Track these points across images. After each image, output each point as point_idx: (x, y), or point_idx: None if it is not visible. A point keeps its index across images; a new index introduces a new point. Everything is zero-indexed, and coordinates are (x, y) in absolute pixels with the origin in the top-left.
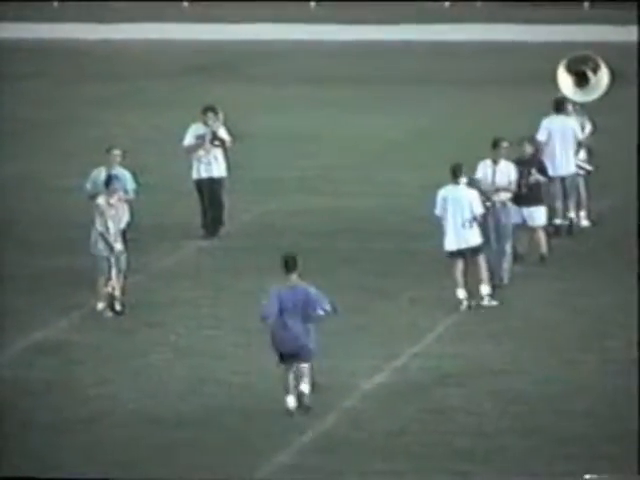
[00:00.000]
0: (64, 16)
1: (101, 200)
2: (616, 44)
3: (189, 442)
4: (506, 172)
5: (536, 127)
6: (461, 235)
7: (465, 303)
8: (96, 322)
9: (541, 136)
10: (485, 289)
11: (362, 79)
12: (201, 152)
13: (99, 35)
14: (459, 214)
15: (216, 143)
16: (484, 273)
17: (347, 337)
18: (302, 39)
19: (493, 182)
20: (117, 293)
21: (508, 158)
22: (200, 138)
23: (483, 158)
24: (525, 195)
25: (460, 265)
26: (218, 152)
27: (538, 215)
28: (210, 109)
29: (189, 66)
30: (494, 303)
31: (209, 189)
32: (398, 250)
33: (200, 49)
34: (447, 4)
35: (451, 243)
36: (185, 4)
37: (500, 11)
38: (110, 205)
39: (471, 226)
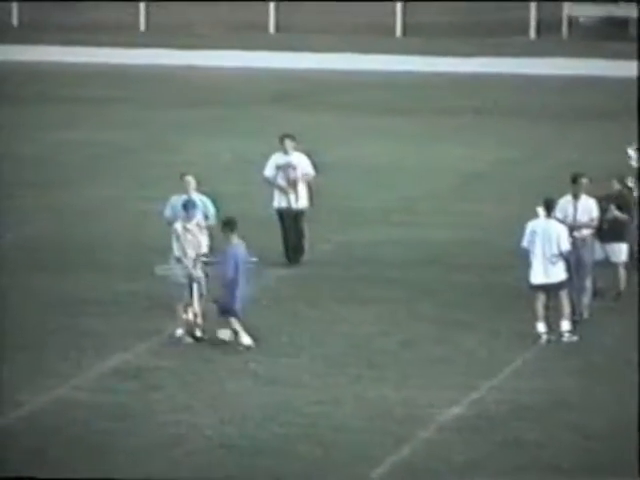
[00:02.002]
0: (150, 42)
1: (178, 225)
2: None
3: (265, 470)
4: (587, 208)
5: (623, 163)
6: (548, 269)
7: (545, 337)
8: (175, 348)
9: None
10: (566, 325)
11: (445, 110)
12: (280, 182)
13: (184, 61)
14: (547, 248)
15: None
16: (566, 308)
17: (425, 368)
18: (387, 70)
19: (574, 218)
20: (198, 320)
21: (590, 194)
22: (280, 168)
23: (566, 193)
24: (606, 231)
25: (542, 299)
26: (296, 183)
27: (619, 251)
28: (288, 136)
29: (273, 94)
30: (574, 338)
31: (290, 219)
32: (478, 282)
33: (284, 77)
34: (533, 37)
35: (537, 277)
36: (271, 32)
37: (586, 45)
38: (187, 230)
39: (558, 261)
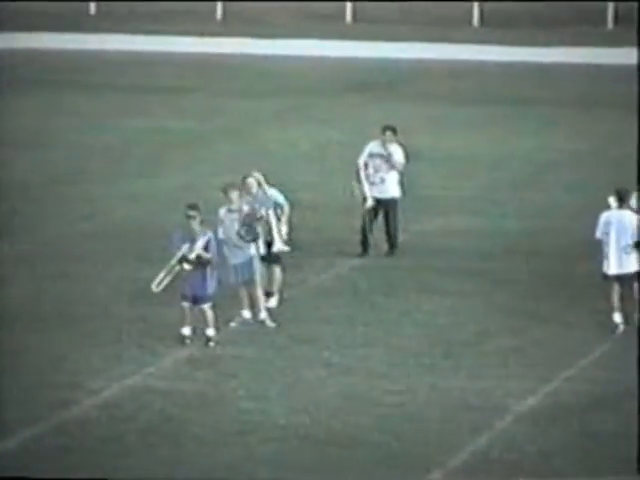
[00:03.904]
0: (226, 31)
1: (221, 211)
2: None
3: (338, 460)
4: None
5: None
6: (622, 260)
7: (621, 327)
8: (249, 336)
9: None
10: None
11: (521, 100)
12: (370, 171)
13: (260, 50)
14: (622, 239)
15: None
16: None
17: (500, 359)
18: (464, 59)
19: None
20: (259, 303)
21: None
22: (373, 156)
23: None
24: None
25: (617, 289)
26: (387, 173)
27: None
28: (389, 128)
29: (350, 84)
30: None
31: (380, 208)
32: (553, 272)
33: (361, 67)
34: (610, 27)
35: (611, 267)
36: (348, 22)
37: None
38: (231, 212)
39: (632, 252)
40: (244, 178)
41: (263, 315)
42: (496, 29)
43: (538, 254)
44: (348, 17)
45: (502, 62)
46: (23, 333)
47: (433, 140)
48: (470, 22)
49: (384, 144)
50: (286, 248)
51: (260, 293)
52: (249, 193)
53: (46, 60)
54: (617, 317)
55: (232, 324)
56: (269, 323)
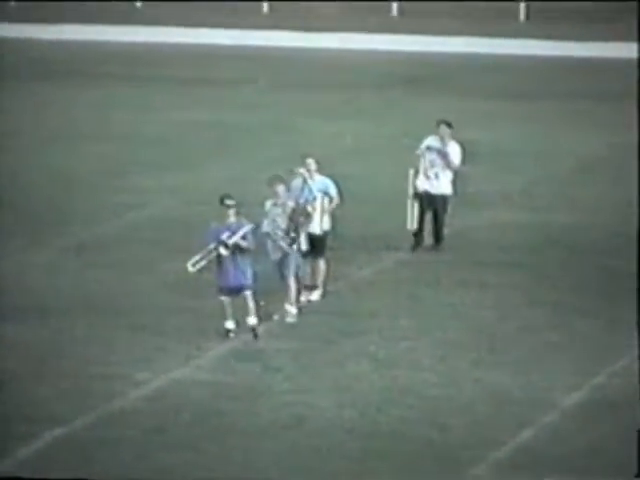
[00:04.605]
0: (274, 24)
1: (268, 204)
2: None
3: (383, 453)
4: None
5: None
6: None
7: None
8: (293, 329)
9: None
10: None
11: (566, 95)
12: (426, 165)
13: (308, 44)
14: None
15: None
16: None
17: (542, 354)
18: (511, 53)
19: None
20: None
21: None
22: (430, 150)
23: None
24: None
25: None
26: (443, 170)
27: None
28: (443, 122)
29: (398, 77)
30: None
31: (428, 203)
32: (598, 267)
33: (408, 61)
34: None
35: None
36: (394, 15)
37: None
38: (276, 206)
39: None
40: (291, 171)
41: (292, 310)
42: (544, 24)
43: (583, 249)
44: (394, 11)
45: (548, 56)
46: (71, 323)
47: (479, 134)
48: (517, 17)
49: (442, 139)
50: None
51: (293, 288)
52: (299, 186)
53: (99, 53)
54: None
55: (275, 317)
56: (290, 318)
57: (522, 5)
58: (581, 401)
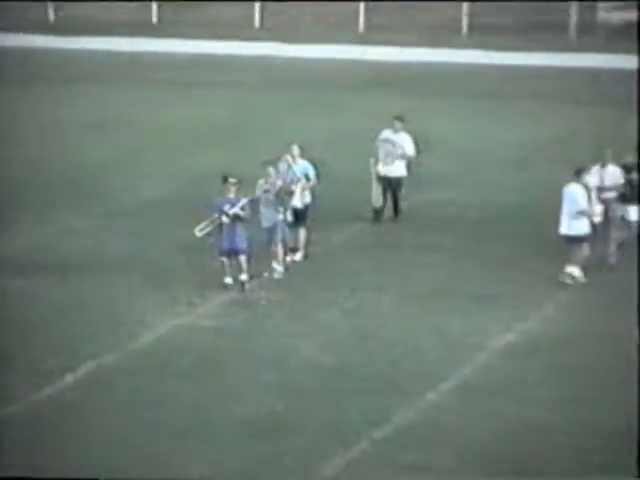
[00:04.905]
0: (263, 36)
1: (260, 182)
2: None
3: (350, 388)
4: (613, 175)
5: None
6: (571, 224)
7: (576, 280)
8: (279, 284)
9: None
10: (576, 270)
11: (504, 96)
12: (382, 154)
13: (291, 53)
14: (571, 207)
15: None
16: (582, 257)
17: (484, 303)
18: (456, 61)
19: (602, 183)
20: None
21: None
22: (386, 141)
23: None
24: (626, 194)
25: (570, 247)
26: (398, 153)
27: (634, 211)
28: (397, 117)
29: (364, 82)
30: (583, 280)
31: (387, 183)
32: (528, 234)
33: (373, 68)
34: (572, 35)
35: (563, 229)
36: (361, 31)
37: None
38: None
39: (580, 217)
40: (289, 145)
41: (279, 268)
42: (481, 37)
43: (514, 219)
44: (361, 27)
45: (486, 64)
46: (95, 278)
47: (432, 127)
48: (460, 31)
49: (395, 132)
50: (300, 206)
51: (280, 251)
52: (285, 168)
53: (121, 61)
54: (569, 269)
55: (265, 274)
56: (277, 275)
57: (465, 22)
58: (511, 343)
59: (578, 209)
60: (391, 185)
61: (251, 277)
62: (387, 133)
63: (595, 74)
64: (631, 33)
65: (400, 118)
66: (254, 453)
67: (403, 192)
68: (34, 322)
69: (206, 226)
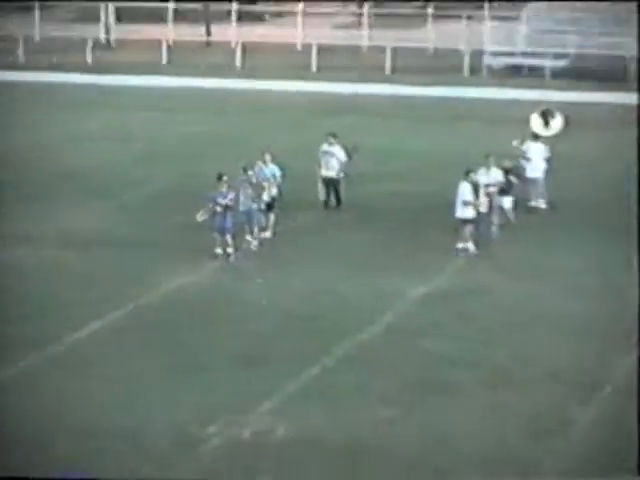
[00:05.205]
0: (244, 75)
1: (241, 179)
2: None
3: (308, 328)
4: (496, 175)
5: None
6: (462, 210)
7: (469, 251)
8: (255, 254)
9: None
10: (471, 245)
11: (418, 117)
12: (323, 161)
13: (262, 87)
14: (461, 197)
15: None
16: (471, 235)
17: (395, 267)
18: (380, 93)
19: (487, 180)
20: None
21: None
22: (326, 153)
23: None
24: (501, 190)
25: (461, 227)
26: (335, 161)
27: (507, 201)
28: (331, 134)
29: (316, 107)
30: (476, 252)
31: (328, 182)
32: (440, 219)
33: (322, 97)
34: (466, 74)
35: (457, 213)
36: (314, 70)
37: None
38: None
39: (467, 205)
40: (263, 152)
41: (254, 242)
42: (400, 75)
43: (432, 206)
44: (314, 68)
45: (405, 94)
46: (109, 252)
47: (366, 139)
48: (384, 70)
49: (330, 145)
50: (267, 199)
51: (255, 229)
52: (258, 170)
53: (138, 92)
54: (460, 245)
55: (244, 245)
56: (253, 247)
57: (388, 63)
58: (425, 293)
59: (464, 199)
60: (331, 183)
61: (235, 249)
62: (325, 146)
63: (482, 102)
64: (507, 73)
65: (333, 134)
66: (242, 379)
67: (342, 188)
68: (66, 284)
69: (203, 213)
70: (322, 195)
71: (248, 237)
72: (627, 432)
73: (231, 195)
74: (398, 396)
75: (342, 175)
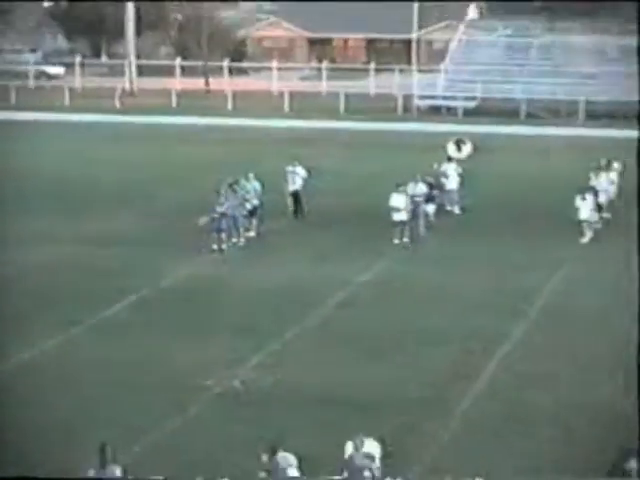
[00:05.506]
0: (235, 114)
1: (234, 194)
2: None
3: (279, 303)
4: (421, 187)
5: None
6: (397, 214)
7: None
8: (242, 248)
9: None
10: (406, 240)
11: (359, 145)
12: (290, 179)
13: (246, 124)
14: (395, 205)
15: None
16: (407, 235)
17: (341, 252)
18: (334, 127)
19: (414, 192)
20: (240, 234)
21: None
22: (292, 172)
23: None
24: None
25: (396, 227)
26: (298, 177)
27: (432, 208)
28: (296, 159)
29: (287, 138)
30: (409, 246)
31: (294, 195)
32: (367, 221)
33: (291, 131)
34: (400, 112)
35: (393, 217)
36: (287, 110)
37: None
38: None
39: (401, 210)
40: (247, 173)
41: (241, 240)
42: (353, 113)
43: (371, 212)
44: (286, 108)
45: (354, 129)
46: (125, 249)
47: (321, 163)
48: (339, 112)
49: (294, 166)
50: (250, 207)
51: (241, 231)
52: (244, 185)
53: (154, 129)
54: (396, 240)
55: (234, 240)
56: (240, 244)
57: (341, 105)
58: (368, 279)
59: (397, 207)
60: (296, 196)
61: (227, 246)
62: (290, 167)
63: (412, 134)
64: (430, 112)
65: (297, 158)
66: (233, 342)
67: (304, 200)
68: (91, 274)
69: (204, 219)
70: (290, 206)
71: (234, 239)
72: None
73: (226, 205)
74: (352, 354)
75: (303, 189)
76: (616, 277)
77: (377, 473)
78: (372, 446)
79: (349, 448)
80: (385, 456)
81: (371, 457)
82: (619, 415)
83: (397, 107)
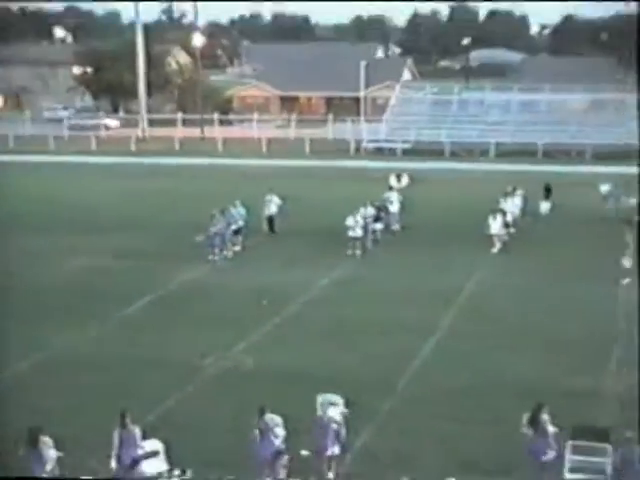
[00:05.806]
0: (225, 154)
1: (224, 218)
2: None
3: (256, 302)
4: (371, 211)
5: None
6: (356, 231)
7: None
8: (232, 258)
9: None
10: (359, 251)
11: (327, 174)
12: (267, 205)
13: (231, 162)
14: (357, 223)
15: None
16: (361, 248)
17: (307, 259)
18: (303, 165)
19: (367, 214)
20: (229, 247)
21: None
22: (269, 201)
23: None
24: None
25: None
26: (273, 204)
27: (379, 226)
28: (271, 190)
29: (264, 174)
30: (359, 255)
31: (270, 218)
32: (329, 234)
33: (271, 168)
34: (352, 153)
35: (350, 233)
36: (264, 151)
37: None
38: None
39: (356, 228)
40: (234, 201)
41: (229, 253)
42: (316, 153)
43: (332, 231)
44: (264, 150)
45: (315, 165)
46: (140, 261)
47: (292, 191)
48: (304, 153)
49: (270, 194)
50: (235, 228)
51: (229, 245)
52: (231, 211)
53: (157, 169)
54: (349, 252)
55: (226, 252)
56: (229, 256)
57: (307, 147)
58: (327, 282)
59: (351, 225)
60: (270, 219)
61: (219, 258)
62: (267, 196)
63: (361, 169)
64: (375, 152)
65: (272, 189)
66: (224, 330)
67: (277, 221)
68: (122, 273)
69: (201, 235)
70: (266, 227)
71: (224, 252)
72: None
73: (218, 225)
74: (317, 341)
75: (277, 213)
76: (520, 280)
77: (342, 422)
78: (335, 397)
79: (319, 400)
80: (347, 404)
81: (336, 404)
82: (534, 392)
83: (350, 149)
